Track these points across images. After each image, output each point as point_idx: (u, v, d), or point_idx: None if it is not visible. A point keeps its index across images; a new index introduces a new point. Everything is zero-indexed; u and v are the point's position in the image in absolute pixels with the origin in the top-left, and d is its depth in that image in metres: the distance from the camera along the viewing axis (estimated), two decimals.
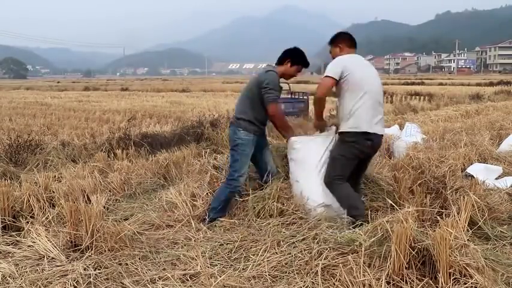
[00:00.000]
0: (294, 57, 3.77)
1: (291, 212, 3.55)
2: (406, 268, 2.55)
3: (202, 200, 3.93)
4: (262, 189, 3.80)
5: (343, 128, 3.43)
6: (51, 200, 4.12)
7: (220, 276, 2.69)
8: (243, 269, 2.84)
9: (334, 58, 3.58)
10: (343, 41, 3.63)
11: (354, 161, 3.49)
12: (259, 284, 2.67)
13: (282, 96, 13.24)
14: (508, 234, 3.38)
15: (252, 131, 3.71)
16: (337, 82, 3.41)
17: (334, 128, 3.79)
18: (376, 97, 3.49)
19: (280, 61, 3.79)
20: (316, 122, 3.81)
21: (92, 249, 3.05)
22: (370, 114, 3.41)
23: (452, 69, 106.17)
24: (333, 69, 3.41)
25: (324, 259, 2.72)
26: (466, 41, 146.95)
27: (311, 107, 12.32)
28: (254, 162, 3.96)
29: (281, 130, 3.93)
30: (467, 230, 2.90)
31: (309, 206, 3.56)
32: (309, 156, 3.68)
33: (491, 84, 30.37)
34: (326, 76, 3.41)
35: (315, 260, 2.76)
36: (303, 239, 3.07)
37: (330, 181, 3.49)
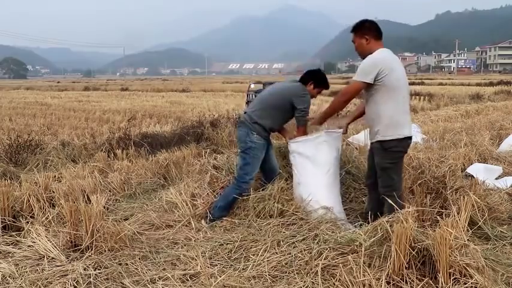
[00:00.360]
0: (317, 81, 3.84)
1: (291, 213, 3.55)
2: (406, 268, 2.55)
3: (203, 200, 3.93)
4: (263, 190, 3.80)
5: (386, 137, 3.19)
6: (51, 200, 4.12)
7: (220, 276, 2.69)
8: (243, 269, 2.84)
9: (359, 50, 3.31)
10: (371, 31, 3.27)
11: (402, 162, 3.42)
12: (259, 284, 2.67)
13: None
14: (508, 234, 3.38)
15: (263, 136, 3.78)
16: (369, 84, 3.17)
17: (341, 129, 3.79)
18: (408, 97, 3.36)
19: (304, 81, 3.83)
20: (319, 120, 3.66)
21: (92, 249, 3.05)
22: (408, 117, 3.31)
23: (452, 69, 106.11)
24: (368, 73, 3.14)
25: (324, 259, 2.72)
26: (466, 41, 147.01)
27: (311, 107, 12.34)
28: None
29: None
30: (467, 230, 2.89)
31: (311, 207, 3.56)
32: (318, 156, 3.64)
33: (491, 84, 30.36)
34: (357, 81, 3.17)
35: (315, 260, 2.76)
36: (303, 239, 3.07)
37: (390, 192, 3.23)
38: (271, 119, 3.78)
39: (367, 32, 3.26)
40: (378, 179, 3.36)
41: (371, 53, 3.22)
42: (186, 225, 3.64)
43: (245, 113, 3.95)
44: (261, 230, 3.37)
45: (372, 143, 3.39)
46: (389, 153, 3.24)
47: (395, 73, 3.17)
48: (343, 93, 3.28)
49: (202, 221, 3.66)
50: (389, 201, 3.10)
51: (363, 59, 3.29)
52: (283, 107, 3.76)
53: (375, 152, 3.33)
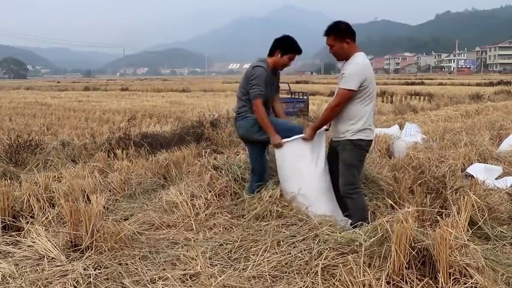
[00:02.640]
0: (284, 47, 3.66)
1: (292, 215, 3.53)
2: (406, 268, 2.55)
3: (203, 200, 3.93)
4: (260, 193, 3.80)
5: (358, 136, 3.26)
6: (51, 200, 4.12)
7: (220, 276, 2.69)
8: (243, 269, 2.83)
9: (339, 53, 3.31)
10: (350, 34, 3.28)
11: (364, 163, 3.47)
12: (259, 284, 2.67)
13: (282, 96, 13.31)
14: (508, 234, 3.38)
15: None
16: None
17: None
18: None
19: (271, 52, 3.71)
20: (312, 131, 3.49)
21: (92, 249, 3.05)
22: (374, 121, 3.40)
23: (452, 69, 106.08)
24: (356, 80, 3.18)
25: (324, 259, 2.72)
26: (466, 41, 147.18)
27: (311, 107, 12.33)
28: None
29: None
30: (467, 230, 2.90)
31: (314, 210, 3.49)
32: (307, 160, 3.55)
33: (491, 84, 30.36)
34: (348, 89, 3.18)
35: (315, 260, 2.76)
36: (303, 239, 3.07)
37: (352, 190, 3.32)
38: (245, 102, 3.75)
39: (347, 35, 3.27)
40: (340, 177, 3.38)
41: (349, 56, 3.28)
42: (186, 225, 3.64)
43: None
44: (260, 230, 3.36)
45: (337, 141, 3.40)
46: (358, 151, 3.32)
47: (373, 81, 3.28)
48: (337, 103, 3.26)
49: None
50: (354, 198, 3.26)
51: (340, 60, 3.39)
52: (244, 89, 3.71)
53: (343, 149, 3.34)
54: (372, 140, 3.41)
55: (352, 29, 3.31)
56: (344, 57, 3.32)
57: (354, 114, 3.27)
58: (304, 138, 3.54)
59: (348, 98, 3.23)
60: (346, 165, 3.35)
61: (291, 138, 3.59)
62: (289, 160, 3.61)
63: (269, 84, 3.68)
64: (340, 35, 3.27)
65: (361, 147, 3.32)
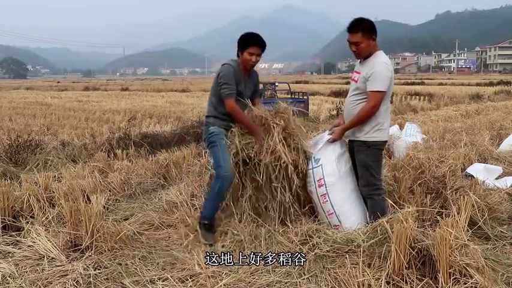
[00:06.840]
0: (240, 44, 3.46)
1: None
2: (406, 268, 2.55)
3: (203, 200, 3.93)
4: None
5: (374, 138, 3.22)
6: (51, 200, 4.12)
7: (219, 276, 2.69)
8: (242, 268, 2.83)
9: (365, 51, 3.19)
10: (375, 31, 3.16)
11: (382, 161, 3.42)
12: (258, 283, 2.67)
13: (282, 96, 13.30)
14: (508, 234, 3.38)
15: (218, 125, 3.48)
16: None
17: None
18: None
19: (237, 54, 3.53)
20: (342, 132, 3.36)
21: (92, 249, 3.05)
22: (389, 120, 3.35)
23: (452, 69, 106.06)
24: (387, 81, 3.12)
25: (324, 259, 2.72)
26: (466, 41, 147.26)
27: (311, 107, 12.32)
28: None
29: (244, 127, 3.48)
30: (467, 230, 2.89)
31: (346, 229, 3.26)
32: (342, 169, 3.34)
33: (491, 84, 30.36)
34: (380, 91, 3.11)
35: (314, 260, 2.76)
36: (303, 239, 3.07)
37: (373, 191, 3.25)
38: (212, 105, 3.51)
39: (373, 32, 3.16)
40: (359, 178, 3.33)
41: (371, 54, 3.20)
42: (186, 225, 3.64)
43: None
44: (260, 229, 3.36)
45: (353, 141, 3.36)
46: (373, 151, 3.26)
47: (393, 80, 3.22)
48: (373, 105, 3.14)
49: (200, 233, 3.29)
50: (375, 199, 3.16)
51: (361, 58, 3.27)
52: (215, 90, 3.49)
53: (358, 150, 3.31)
54: (386, 141, 3.34)
55: (375, 26, 3.21)
56: (367, 55, 3.21)
57: (374, 119, 3.19)
58: (331, 140, 3.38)
59: (381, 99, 3.13)
60: (363, 166, 3.29)
61: (316, 142, 3.46)
62: (338, 173, 3.35)
63: (242, 84, 3.47)
64: (368, 31, 3.14)
65: (376, 147, 3.25)
